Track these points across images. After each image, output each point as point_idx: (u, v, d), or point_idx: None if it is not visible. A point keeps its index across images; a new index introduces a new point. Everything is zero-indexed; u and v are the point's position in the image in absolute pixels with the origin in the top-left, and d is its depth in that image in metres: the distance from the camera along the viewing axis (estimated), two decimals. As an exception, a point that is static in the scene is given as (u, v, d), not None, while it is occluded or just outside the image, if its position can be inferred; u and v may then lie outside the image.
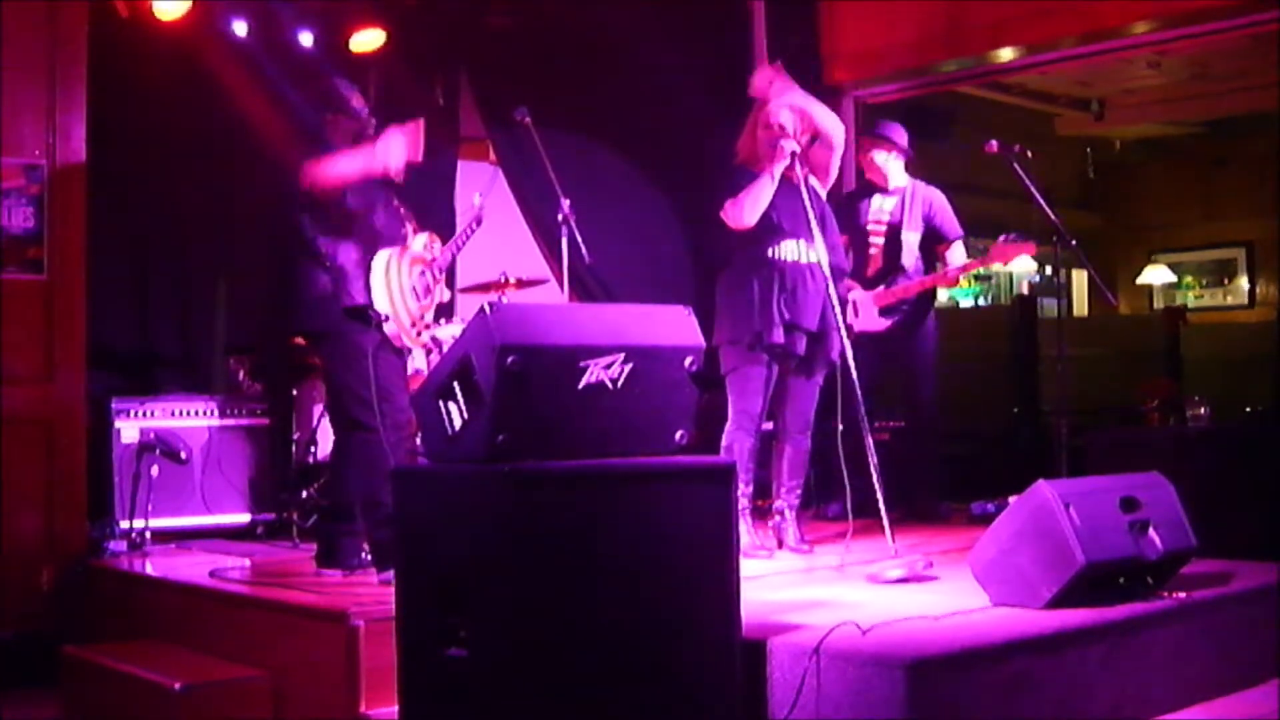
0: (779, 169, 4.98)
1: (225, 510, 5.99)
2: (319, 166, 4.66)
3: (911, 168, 6.34)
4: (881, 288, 6.15)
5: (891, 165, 6.22)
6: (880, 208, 6.22)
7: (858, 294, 6.10)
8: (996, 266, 12.18)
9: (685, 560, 3.32)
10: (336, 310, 4.64)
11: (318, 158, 4.68)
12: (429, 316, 4.99)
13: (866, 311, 6.10)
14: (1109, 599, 3.88)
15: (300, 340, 5.70)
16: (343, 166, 4.67)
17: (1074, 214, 10.65)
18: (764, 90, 5.10)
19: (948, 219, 6.26)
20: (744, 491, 4.98)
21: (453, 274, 6.55)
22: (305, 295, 4.70)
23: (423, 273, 4.93)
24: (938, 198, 6.28)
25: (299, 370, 6.31)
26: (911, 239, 6.21)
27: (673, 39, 7.29)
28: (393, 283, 4.71)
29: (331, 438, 4.97)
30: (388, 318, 4.68)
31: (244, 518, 6.02)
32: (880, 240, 6.21)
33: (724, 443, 5.05)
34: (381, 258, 4.71)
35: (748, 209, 4.98)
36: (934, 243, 6.24)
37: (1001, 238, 6.09)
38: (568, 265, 5.64)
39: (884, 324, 6.11)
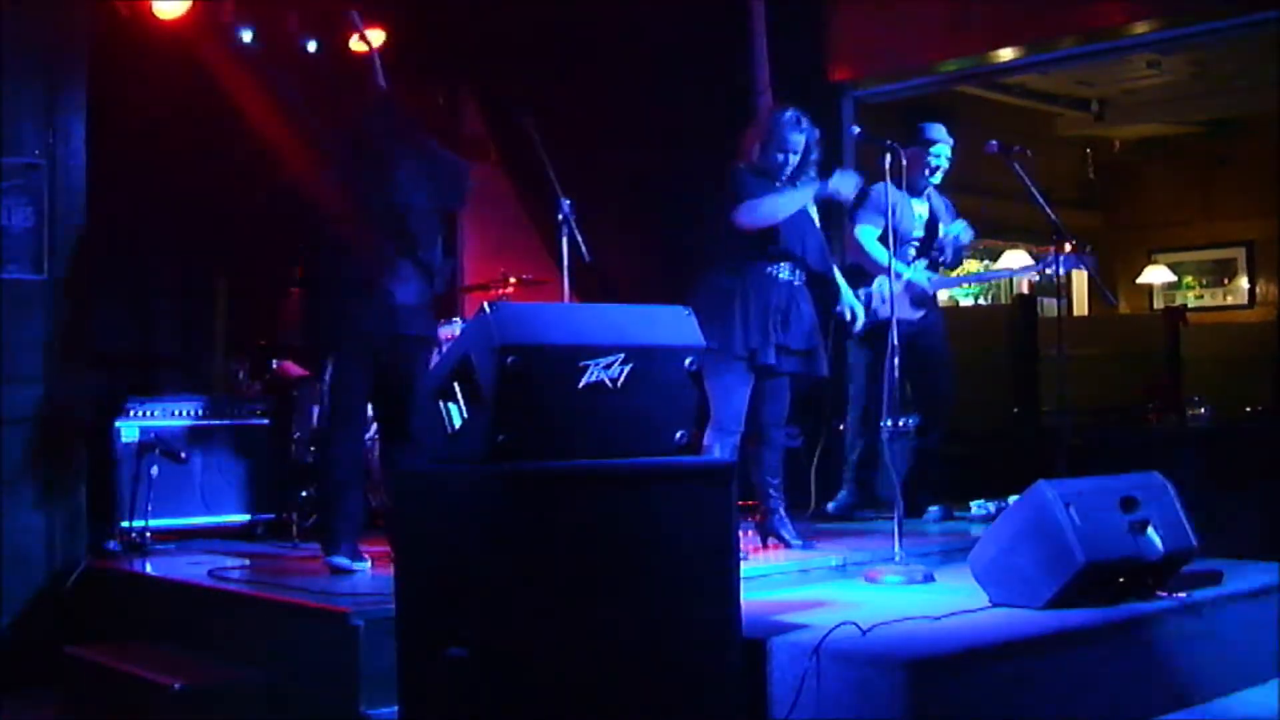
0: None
1: (225, 510, 5.98)
2: None
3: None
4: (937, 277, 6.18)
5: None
6: (920, 212, 6.17)
7: (890, 284, 5.93)
8: (994, 265, 12.23)
9: (685, 560, 3.32)
10: (431, 314, 4.84)
11: None
12: None
13: (900, 301, 5.87)
14: (1109, 599, 3.89)
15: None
16: None
17: (1074, 214, 10.64)
18: None
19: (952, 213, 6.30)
20: None
21: (453, 274, 6.55)
22: (412, 300, 4.71)
23: None
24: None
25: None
26: (944, 232, 6.19)
27: (673, 38, 7.29)
28: None
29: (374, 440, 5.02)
30: None
31: (244, 518, 6.00)
32: (922, 237, 6.18)
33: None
34: None
35: (767, 216, 4.96)
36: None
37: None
38: (568, 265, 5.64)
39: (917, 314, 6.07)
